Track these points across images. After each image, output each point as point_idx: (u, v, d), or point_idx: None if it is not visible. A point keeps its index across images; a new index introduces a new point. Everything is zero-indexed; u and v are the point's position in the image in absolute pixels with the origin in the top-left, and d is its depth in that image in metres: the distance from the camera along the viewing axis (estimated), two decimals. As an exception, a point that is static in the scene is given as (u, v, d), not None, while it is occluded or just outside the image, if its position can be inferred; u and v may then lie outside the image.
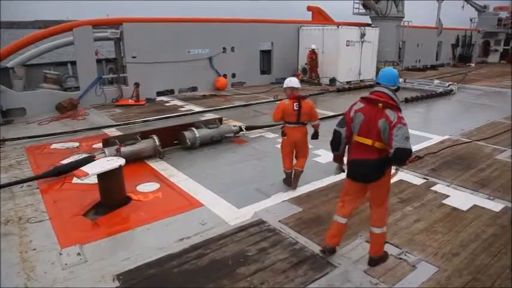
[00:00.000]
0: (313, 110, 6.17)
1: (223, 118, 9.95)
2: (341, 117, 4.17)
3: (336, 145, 4.17)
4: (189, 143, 8.38)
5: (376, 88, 4.00)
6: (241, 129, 9.50)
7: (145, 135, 7.95)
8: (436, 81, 18.25)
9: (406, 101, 14.04)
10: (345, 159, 4.28)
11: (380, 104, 3.81)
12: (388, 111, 3.78)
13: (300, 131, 6.17)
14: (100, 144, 8.69)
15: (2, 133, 9.64)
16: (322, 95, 16.02)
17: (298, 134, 6.16)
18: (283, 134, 6.23)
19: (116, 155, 7.09)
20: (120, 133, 9.59)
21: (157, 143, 7.78)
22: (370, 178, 4.03)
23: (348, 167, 4.17)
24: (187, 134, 8.45)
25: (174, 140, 8.53)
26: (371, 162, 3.93)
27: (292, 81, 6.17)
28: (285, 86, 6.22)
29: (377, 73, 19.45)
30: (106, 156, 7.09)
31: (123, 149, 7.43)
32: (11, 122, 11.01)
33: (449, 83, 17.62)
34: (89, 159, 6.94)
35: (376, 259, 4.27)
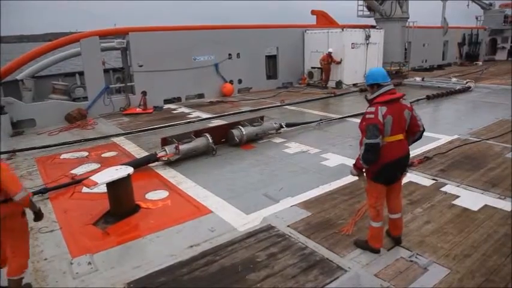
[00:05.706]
0: (7, 178, 3.63)
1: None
2: (369, 129, 4.01)
3: (376, 156, 4.06)
4: (237, 140, 9.05)
5: (386, 88, 4.22)
6: (281, 126, 10.09)
7: (198, 134, 8.62)
8: (454, 79, 18.65)
9: (428, 98, 14.76)
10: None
11: (401, 100, 4.23)
12: (403, 101, 4.26)
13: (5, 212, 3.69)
14: (109, 153, 8.84)
15: (13, 144, 9.79)
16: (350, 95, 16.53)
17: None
18: None
19: (175, 153, 7.86)
20: (130, 142, 9.78)
21: (210, 140, 8.47)
22: (405, 170, 4.44)
23: (383, 171, 4.19)
24: (235, 132, 9.11)
25: (221, 138, 9.17)
26: (408, 153, 4.34)
27: None
28: None
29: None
30: (167, 154, 7.74)
31: (181, 147, 7.94)
32: (21, 133, 11.19)
33: (467, 80, 18.00)
34: (152, 157, 7.68)
35: (401, 237, 4.74)
